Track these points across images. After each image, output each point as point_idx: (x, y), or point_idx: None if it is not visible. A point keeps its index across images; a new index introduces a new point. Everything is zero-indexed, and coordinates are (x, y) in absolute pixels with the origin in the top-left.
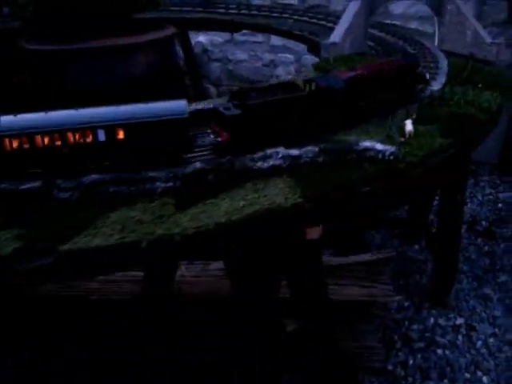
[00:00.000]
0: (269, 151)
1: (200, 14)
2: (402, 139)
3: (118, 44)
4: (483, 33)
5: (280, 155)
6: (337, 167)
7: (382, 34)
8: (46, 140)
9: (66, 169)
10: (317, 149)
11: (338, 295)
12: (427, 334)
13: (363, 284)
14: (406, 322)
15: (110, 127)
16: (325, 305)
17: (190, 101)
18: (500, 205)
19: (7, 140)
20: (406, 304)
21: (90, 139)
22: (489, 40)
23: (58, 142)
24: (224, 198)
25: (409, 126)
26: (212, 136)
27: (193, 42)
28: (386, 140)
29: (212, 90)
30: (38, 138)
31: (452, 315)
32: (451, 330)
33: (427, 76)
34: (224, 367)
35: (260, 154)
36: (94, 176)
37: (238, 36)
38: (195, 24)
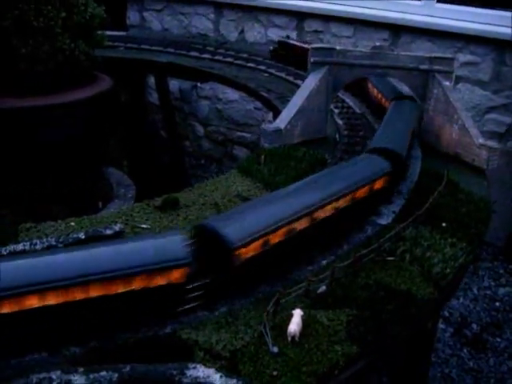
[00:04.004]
0: (39, 376)
1: (168, 57)
2: (276, 350)
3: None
4: (473, 131)
5: None
6: None
7: (362, 106)
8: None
9: None
10: (116, 376)
11: None
12: None
13: None
14: None
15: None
16: None
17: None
18: (498, 303)
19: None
20: None
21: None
22: (478, 141)
23: None
24: None
25: (294, 323)
26: None
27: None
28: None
29: (199, 128)
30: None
31: None
32: None
33: None
34: None
35: (22, 380)
36: None
37: None
38: (159, 69)
